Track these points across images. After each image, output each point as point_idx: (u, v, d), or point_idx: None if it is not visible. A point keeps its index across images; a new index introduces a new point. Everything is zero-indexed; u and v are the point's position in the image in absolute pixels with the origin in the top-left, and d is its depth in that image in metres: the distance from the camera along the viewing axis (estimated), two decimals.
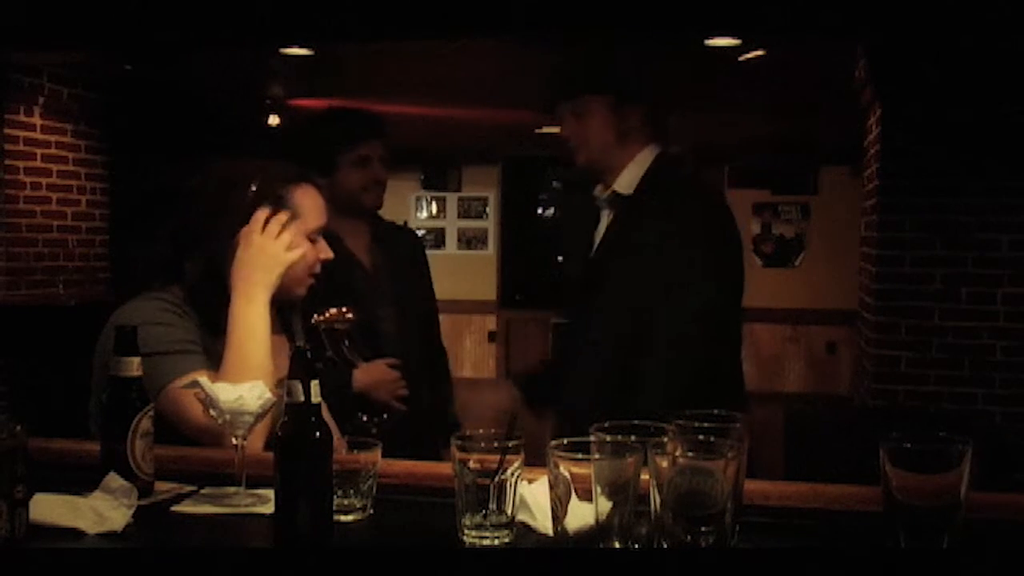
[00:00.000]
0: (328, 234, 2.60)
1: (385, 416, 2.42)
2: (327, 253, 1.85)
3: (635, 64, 2.10)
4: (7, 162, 4.78)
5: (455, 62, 4.99)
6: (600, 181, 2.14)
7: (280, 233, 1.74)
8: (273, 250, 1.73)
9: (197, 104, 5.86)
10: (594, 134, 2.06)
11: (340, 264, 2.61)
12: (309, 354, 1.28)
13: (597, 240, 2.11)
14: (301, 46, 4.16)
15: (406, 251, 2.82)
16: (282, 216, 1.75)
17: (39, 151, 4.99)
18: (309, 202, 1.82)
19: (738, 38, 3.87)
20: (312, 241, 1.82)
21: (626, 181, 2.08)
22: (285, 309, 1.93)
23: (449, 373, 2.95)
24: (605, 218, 2.12)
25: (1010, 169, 4.02)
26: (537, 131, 7.86)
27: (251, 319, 1.71)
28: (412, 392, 2.52)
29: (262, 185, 1.78)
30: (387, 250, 2.73)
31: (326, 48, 4.28)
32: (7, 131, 4.78)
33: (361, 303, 2.57)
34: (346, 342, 2.35)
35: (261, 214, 1.74)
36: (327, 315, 2.34)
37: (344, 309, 2.35)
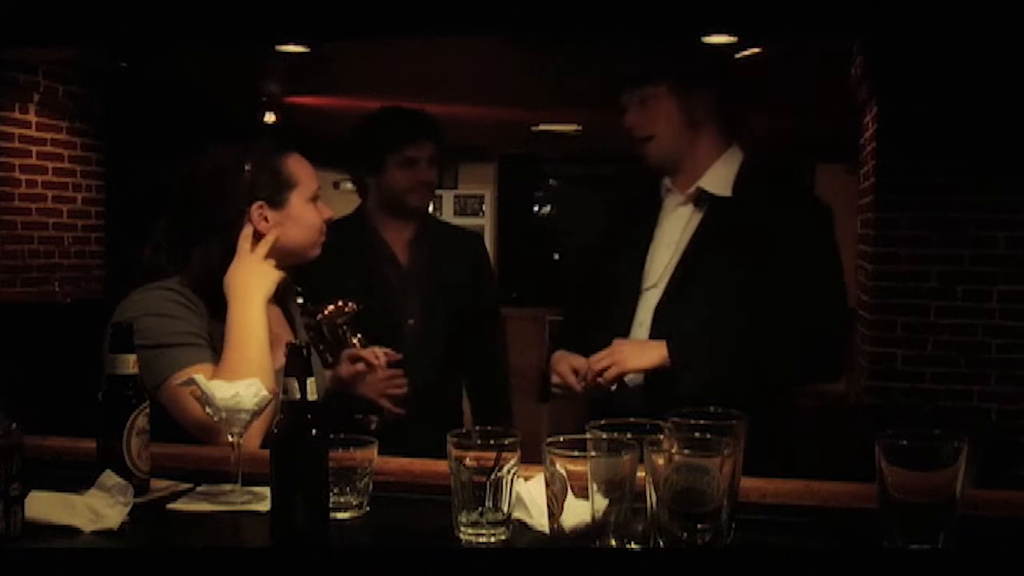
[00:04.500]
0: (367, 228, 2.64)
1: (380, 415, 2.36)
2: (328, 212, 1.91)
3: (696, 48, 2.08)
4: (2, 159, 4.76)
5: (451, 60, 4.99)
6: (667, 175, 2.11)
7: (267, 254, 1.80)
8: (263, 268, 1.78)
9: (193, 101, 5.85)
10: (661, 122, 2.03)
11: (375, 257, 2.64)
12: (305, 351, 1.28)
13: (671, 236, 2.08)
14: (297, 43, 4.15)
15: (458, 254, 2.76)
16: (270, 237, 1.80)
17: (34, 148, 4.98)
18: (302, 168, 1.88)
19: (734, 36, 3.87)
20: (313, 201, 1.88)
21: (717, 181, 2.04)
22: (285, 303, 1.96)
23: (502, 386, 2.85)
24: (681, 215, 2.08)
25: (1007, 167, 4.02)
26: (533, 128, 7.87)
27: (248, 319, 1.73)
28: (425, 394, 2.43)
29: (256, 163, 1.82)
30: (432, 249, 2.69)
31: (323, 45, 4.27)
32: (2, 128, 4.77)
33: (389, 297, 2.58)
34: (355, 336, 2.33)
35: (248, 230, 1.79)
36: (328, 311, 2.32)
37: (342, 303, 2.33)
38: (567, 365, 2.05)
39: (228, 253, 1.79)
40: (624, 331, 2.07)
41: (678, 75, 2.02)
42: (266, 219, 1.81)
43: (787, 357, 2.01)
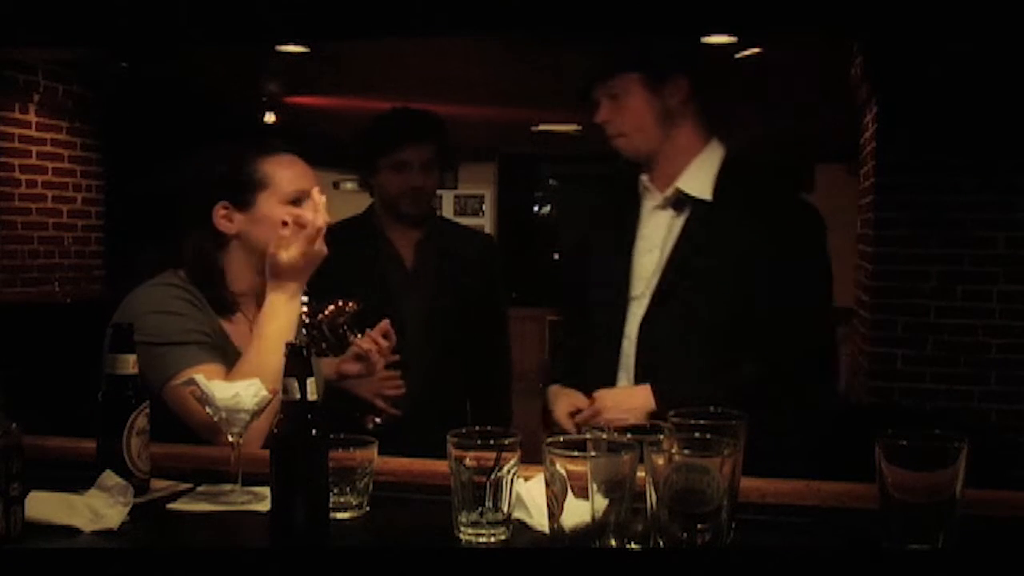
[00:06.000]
0: (374, 229, 2.62)
1: (379, 415, 2.36)
2: (312, 213, 1.77)
3: (666, 39, 1.98)
4: (2, 159, 4.77)
5: (452, 60, 4.99)
6: (645, 170, 2.06)
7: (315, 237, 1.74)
8: (318, 247, 1.73)
9: (193, 101, 5.85)
10: (634, 116, 1.98)
11: (380, 258, 2.63)
12: (305, 351, 1.28)
13: (653, 241, 2.02)
14: (297, 43, 4.15)
15: (466, 256, 2.72)
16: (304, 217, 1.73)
17: (34, 148, 4.98)
18: (281, 171, 1.81)
19: (734, 36, 3.87)
20: (294, 203, 1.79)
21: (696, 182, 1.98)
22: None
23: (502, 386, 2.83)
24: (662, 219, 2.02)
25: (1006, 166, 4.02)
26: (533, 128, 7.87)
27: (288, 318, 1.71)
28: (426, 394, 2.44)
29: (227, 164, 1.81)
30: (440, 251, 2.67)
31: (323, 45, 4.27)
32: (2, 128, 4.78)
33: (392, 298, 2.57)
34: (356, 335, 2.32)
35: (287, 214, 1.75)
36: (328, 311, 2.32)
37: (342, 302, 2.33)
38: (564, 409, 2.01)
39: (211, 252, 1.80)
40: (614, 343, 2.03)
41: (648, 67, 1.96)
42: (230, 220, 1.80)
43: (781, 371, 1.93)
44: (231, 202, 1.79)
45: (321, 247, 1.73)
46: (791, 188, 2.16)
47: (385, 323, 2.19)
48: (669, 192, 2.01)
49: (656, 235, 2.02)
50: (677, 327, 1.95)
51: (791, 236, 1.95)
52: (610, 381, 2.01)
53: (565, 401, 2.02)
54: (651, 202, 2.06)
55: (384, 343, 2.17)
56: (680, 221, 2.00)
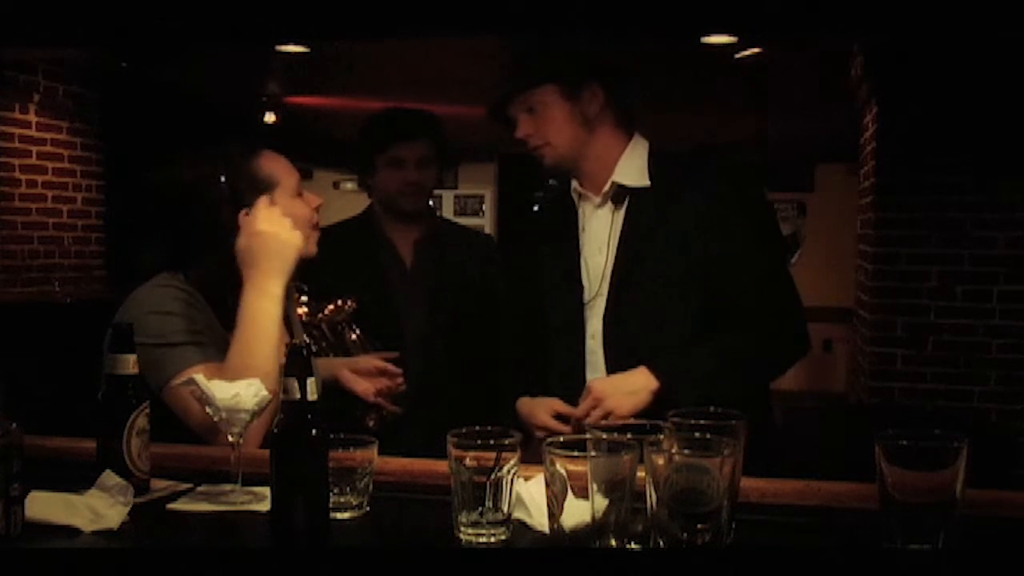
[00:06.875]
0: (373, 229, 2.62)
1: (379, 413, 2.35)
2: (316, 200, 1.87)
3: (579, 47, 2.01)
4: (2, 159, 4.77)
5: (451, 59, 4.99)
6: (573, 177, 2.09)
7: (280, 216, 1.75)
8: (285, 235, 1.73)
9: (193, 101, 5.85)
10: (555, 127, 2.00)
11: (380, 257, 2.63)
12: (305, 351, 1.28)
13: (598, 240, 2.04)
14: (297, 43, 4.15)
15: (466, 256, 2.73)
16: (276, 204, 1.77)
17: (34, 148, 4.98)
18: (278, 166, 1.84)
19: (734, 36, 3.87)
20: (299, 195, 1.84)
21: (630, 173, 2.01)
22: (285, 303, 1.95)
23: (506, 387, 2.85)
24: (603, 216, 2.04)
25: (1006, 167, 4.02)
26: None
27: (262, 315, 1.70)
28: (425, 394, 2.43)
29: (231, 172, 1.80)
30: (439, 251, 2.68)
31: (323, 45, 4.28)
32: (2, 128, 4.78)
33: (392, 298, 2.57)
34: (353, 334, 2.32)
35: (263, 202, 1.76)
36: (328, 310, 2.32)
37: (341, 301, 2.33)
38: (547, 413, 2.00)
39: (226, 255, 1.79)
40: (577, 345, 2.03)
41: (563, 77, 1.98)
42: None
43: (759, 337, 1.96)
44: (251, 207, 1.79)
45: (277, 233, 1.72)
46: (719, 160, 2.18)
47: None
48: (607, 188, 2.03)
49: (601, 233, 2.04)
50: (643, 313, 1.97)
51: (730, 199, 1.98)
52: (579, 382, 2.01)
53: (545, 407, 2.01)
54: (590, 205, 2.08)
55: (393, 383, 2.19)
56: (621, 213, 2.03)
